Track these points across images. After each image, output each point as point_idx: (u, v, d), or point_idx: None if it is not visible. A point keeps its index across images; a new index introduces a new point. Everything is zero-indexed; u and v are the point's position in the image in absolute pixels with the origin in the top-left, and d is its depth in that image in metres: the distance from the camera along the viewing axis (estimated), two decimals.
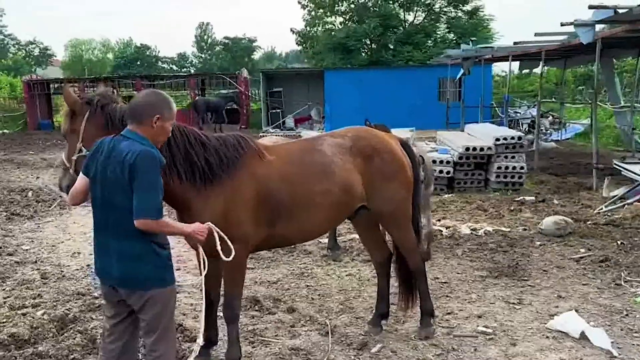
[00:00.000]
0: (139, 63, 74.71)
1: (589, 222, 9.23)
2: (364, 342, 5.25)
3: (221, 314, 4.86)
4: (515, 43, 15.09)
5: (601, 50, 14.82)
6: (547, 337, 5.34)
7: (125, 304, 3.61)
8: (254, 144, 4.56)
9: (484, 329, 5.48)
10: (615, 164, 11.86)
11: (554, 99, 25.97)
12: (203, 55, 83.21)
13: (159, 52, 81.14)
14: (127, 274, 3.46)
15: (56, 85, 36.06)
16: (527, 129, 23.72)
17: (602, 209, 9.81)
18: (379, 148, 4.91)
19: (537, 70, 34.28)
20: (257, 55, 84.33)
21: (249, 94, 33.98)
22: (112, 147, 3.45)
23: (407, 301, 5.52)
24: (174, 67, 79.45)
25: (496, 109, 27.75)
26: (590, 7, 9.50)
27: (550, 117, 25.01)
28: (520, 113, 25.99)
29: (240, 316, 5.28)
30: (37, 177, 15.56)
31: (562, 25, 10.83)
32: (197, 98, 31.21)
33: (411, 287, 5.48)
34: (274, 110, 31.76)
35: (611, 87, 18.91)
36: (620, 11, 9.43)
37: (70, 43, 80.00)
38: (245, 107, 32.89)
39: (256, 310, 6.12)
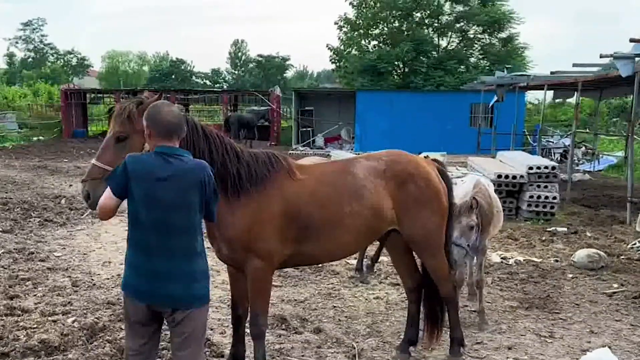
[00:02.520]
0: (173, 77, 75.89)
1: (622, 257, 9.05)
2: None
3: (248, 330, 4.87)
4: (552, 72, 14.99)
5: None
6: None
7: (154, 323, 3.61)
8: (285, 163, 4.60)
9: None
10: None
11: (587, 130, 25.64)
12: (236, 72, 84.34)
13: (193, 67, 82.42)
14: (179, 294, 3.45)
15: (92, 96, 36.80)
16: (559, 158, 23.47)
17: (635, 244, 9.61)
18: (413, 173, 4.90)
19: (571, 100, 34.05)
20: (289, 74, 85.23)
21: (281, 111, 34.19)
22: (169, 167, 3.41)
23: (433, 329, 5.45)
24: (208, 82, 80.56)
25: (528, 137, 27.55)
26: (632, 40, 9.42)
27: (583, 148, 24.74)
28: (552, 142, 25.75)
29: (267, 334, 5.30)
30: (70, 185, 15.82)
31: (601, 57, 10.73)
32: (230, 114, 31.52)
33: (438, 315, 5.42)
34: (304, 129, 31.91)
35: None
36: None
37: (108, 54, 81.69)
38: (276, 125, 33.12)
39: (283, 329, 6.11)
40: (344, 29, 37.09)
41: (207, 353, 5.30)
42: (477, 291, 6.41)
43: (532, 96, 35.96)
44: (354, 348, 5.60)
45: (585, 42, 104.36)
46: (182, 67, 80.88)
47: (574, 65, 13.02)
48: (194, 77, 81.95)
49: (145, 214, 3.40)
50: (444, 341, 5.57)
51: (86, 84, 58.34)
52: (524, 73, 18.03)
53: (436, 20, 37.00)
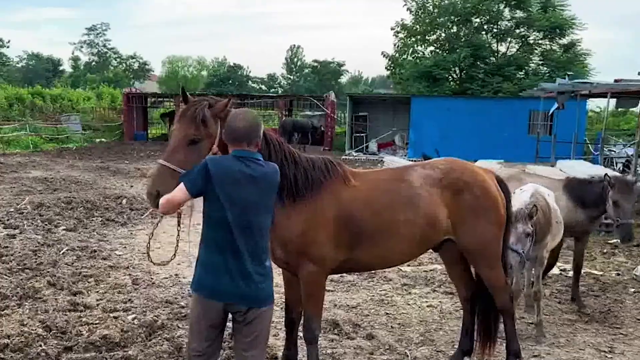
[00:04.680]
0: (230, 82, 77.18)
1: None
2: None
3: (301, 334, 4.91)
4: (616, 80, 14.55)
5: None
6: None
7: (221, 325, 3.69)
8: (341, 169, 4.63)
9: None
10: None
11: None
12: (291, 77, 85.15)
13: (250, 72, 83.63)
14: (255, 292, 3.56)
15: (153, 99, 37.82)
16: (621, 168, 22.65)
17: None
18: (470, 182, 4.84)
19: (635, 109, 32.90)
20: (343, 79, 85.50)
21: (335, 116, 34.31)
22: (252, 170, 3.54)
23: (487, 340, 5.35)
24: (263, 87, 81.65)
25: (589, 145, 26.75)
26: None
27: None
28: (615, 152, 24.88)
29: (320, 338, 5.33)
30: (131, 186, 16.29)
31: None
32: (284, 118, 31.84)
33: (492, 326, 5.33)
34: (358, 134, 31.96)
35: None
36: None
37: (168, 59, 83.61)
38: (330, 130, 33.25)
39: (335, 334, 6.13)
40: (400, 35, 36.95)
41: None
42: (535, 303, 6.28)
43: (594, 104, 35.00)
44: (407, 356, 5.58)
45: None
46: (239, 72, 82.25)
47: None
48: (250, 82, 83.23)
49: (226, 215, 3.48)
50: (499, 353, 5.48)
51: (147, 88, 59.95)
52: (586, 80, 17.52)
53: (495, 26, 36.43)
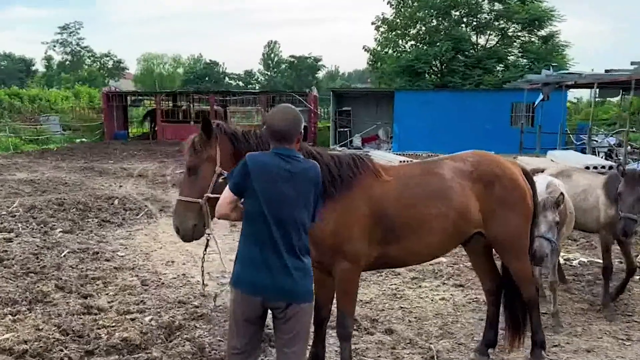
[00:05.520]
0: (207, 78, 76.72)
1: None
2: None
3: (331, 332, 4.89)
4: (606, 71, 14.73)
5: None
6: None
7: (261, 321, 3.66)
8: (370, 163, 4.60)
9: None
10: None
11: (633, 129, 25.11)
12: (269, 73, 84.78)
13: (226, 68, 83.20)
14: (294, 287, 3.51)
15: (132, 98, 37.40)
16: (604, 157, 22.99)
17: None
18: (500, 175, 4.85)
19: (613, 99, 33.42)
20: (320, 74, 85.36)
21: (318, 112, 34.27)
22: (291, 167, 3.51)
23: (515, 333, 5.37)
24: (240, 83, 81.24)
25: (570, 136, 27.10)
26: None
27: (629, 147, 24.20)
28: (597, 141, 25.24)
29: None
30: (120, 186, 16.09)
31: None
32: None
33: (520, 319, 5.35)
34: (341, 129, 31.95)
35: None
36: None
37: (143, 57, 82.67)
38: (313, 125, 33.19)
39: (355, 330, 6.09)
40: (381, 29, 37.01)
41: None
42: (552, 293, 6.33)
43: (571, 95, 35.39)
44: (432, 350, 5.58)
45: (622, 41, 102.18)
46: (216, 69, 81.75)
47: (632, 63, 12.77)
48: (227, 79, 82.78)
49: (266, 210, 3.46)
50: (520, 344, 5.51)
51: (122, 87, 59.25)
52: (572, 71, 17.73)
53: (474, 19, 36.67)
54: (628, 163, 22.27)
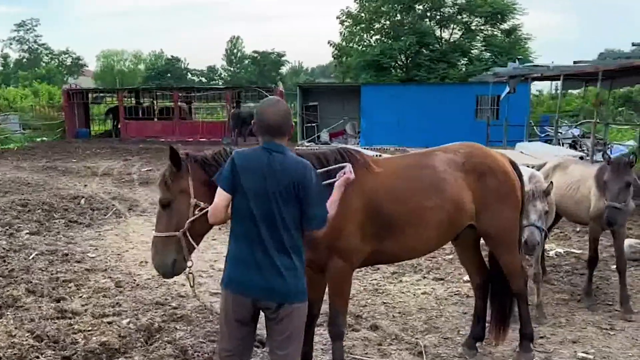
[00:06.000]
0: (169, 75, 75.71)
1: None
2: None
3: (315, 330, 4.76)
4: (575, 62, 14.91)
5: None
6: None
7: (252, 323, 3.53)
8: (360, 156, 4.48)
9: (585, 355, 5.31)
10: None
11: (598, 120, 25.59)
12: (232, 69, 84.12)
13: (188, 64, 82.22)
14: (284, 287, 3.39)
15: (94, 95, 36.56)
16: (567, 149, 23.37)
17: None
18: (493, 167, 4.79)
19: (574, 91, 34.01)
20: (284, 70, 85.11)
21: None
22: (272, 161, 3.37)
23: (501, 325, 5.35)
24: (203, 80, 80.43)
25: (534, 127, 27.48)
26: None
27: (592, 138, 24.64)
28: (561, 133, 25.65)
29: (325, 331, 5.23)
30: (85, 185, 15.67)
31: (633, 45, 10.64)
32: (233, 110, 31.32)
33: (507, 311, 5.33)
34: (309, 124, 31.81)
35: None
36: None
37: (103, 54, 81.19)
38: None
39: (327, 324, 5.99)
40: (346, 23, 36.96)
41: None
42: (535, 285, 6.32)
43: (533, 88, 35.90)
44: (420, 345, 5.51)
45: (585, 34, 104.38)
46: (178, 65, 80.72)
47: (600, 54, 12.95)
48: (189, 75, 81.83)
49: (254, 207, 3.34)
50: (506, 336, 5.48)
51: (82, 84, 57.89)
52: (538, 64, 17.93)
53: (438, 13, 36.89)
54: (595, 154, 22.76)
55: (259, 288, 3.38)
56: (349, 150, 4.49)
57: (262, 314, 3.55)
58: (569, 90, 36.52)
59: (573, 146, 23.40)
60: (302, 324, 3.57)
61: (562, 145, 23.71)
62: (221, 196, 3.42)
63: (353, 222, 4.25)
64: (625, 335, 5.80)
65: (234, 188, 3.39)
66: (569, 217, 7.30)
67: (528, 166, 7.68)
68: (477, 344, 5.39)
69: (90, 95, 35.90)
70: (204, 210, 3.70)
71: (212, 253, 8.76)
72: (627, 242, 8.48)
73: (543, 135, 25.86)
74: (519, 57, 27.32)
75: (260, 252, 3.36)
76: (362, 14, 36.81)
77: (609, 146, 23.11)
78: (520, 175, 5.06)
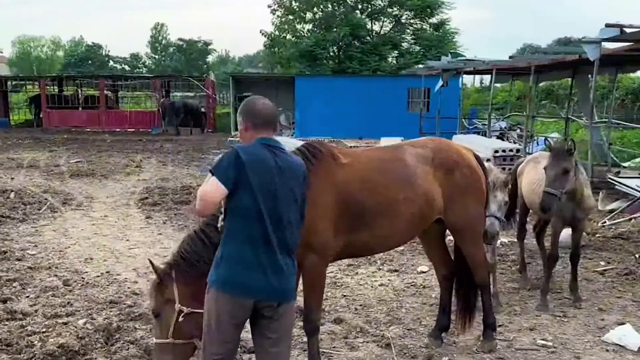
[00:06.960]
0: (90, 62, 73.06)
1: (597, 235, 9.43)
2: (430, 355, 5.19)
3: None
4: (510, 57, 15.43)
5: (576, 68, 15.37)
6: (607, 350, 5.38)
7: (243, 324, 3.47)
8: (324, 148, 4.47)
9: (544, 342, 5.49)
10: (610, 178, 12.14)
11: (524, 113, 26.63)
12: (156, 56, 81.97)
13: (109, 51, 79.56)
14: (286, 286, 3.36)
15: (14, 83, 34.78)
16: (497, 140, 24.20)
17: (605, 222, 10.04)
18: (459, 162, 4.88)
19: (498, 85, 35.15)
20: (211, 58, 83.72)
21: (216, 97, 33.55)
22: (278, 159, 3.32)
23: (467, 316, 5.45)
24: (126, 67, 78.03)
25: (463, 120, 28.28)
26: (607, 25, 9.81)
27: (518, 130, 25.60)
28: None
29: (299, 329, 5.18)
30: (12, 178, 14.90)
31: (552, 42, 11.03)
32: (163, 100, 30.57)
33: (472, 302, 5.44)
34: None
35: (586, 102, 19.51)
36: (628, 31, 9.79)
37: (18, 39, 77.21)
38: (212, 111, 32.47)
39: (302, 321, 5.96)
40: (278, 13, 36.75)
41: (240, 349, 5.09)
42: (491, 275, 6.48)
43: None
44: (387, 337, 5.54)
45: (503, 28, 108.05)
46: (99, 52, 77.99)
47: (533, 52, 13.41)
48: (111, 62, 79.23)
49: (259, 206, 3.23)
50: (471, 325, 5.60)
51: None
52: (474, 58, 18.45)
53: (369, 5, 37.23)
54: (527, 146, 23.66)
55: (263, 289, 3.30)
56: (311, 144, 4.49)
57: None
58: (494, 84, 37.87)
59: (500, 138, 24.27)
60: (293, 321, 3.62)
61: (490, 137, 24.59)
62: (218, 190, 3.21)
63: (326, 217, 4.25)
64: (578, 322, 6.04)
65: (235, 184, 3.22)
66: (536, 212, 7.43)
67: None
68: (443, 334, 5.49)
69: (9, 83, 34.10)
70: (190, 312, 3.81)
71: (159, 248, 8.53)
72: (567, 231, 8.84)
73: (471, 127, 26.68)
74: (451, 51, 27.99)
75: (265, 252, 3.27)
76: (294, 4, 36.65)
77: (535, 138, 24.15)
78: (484, 169, 5.18)
